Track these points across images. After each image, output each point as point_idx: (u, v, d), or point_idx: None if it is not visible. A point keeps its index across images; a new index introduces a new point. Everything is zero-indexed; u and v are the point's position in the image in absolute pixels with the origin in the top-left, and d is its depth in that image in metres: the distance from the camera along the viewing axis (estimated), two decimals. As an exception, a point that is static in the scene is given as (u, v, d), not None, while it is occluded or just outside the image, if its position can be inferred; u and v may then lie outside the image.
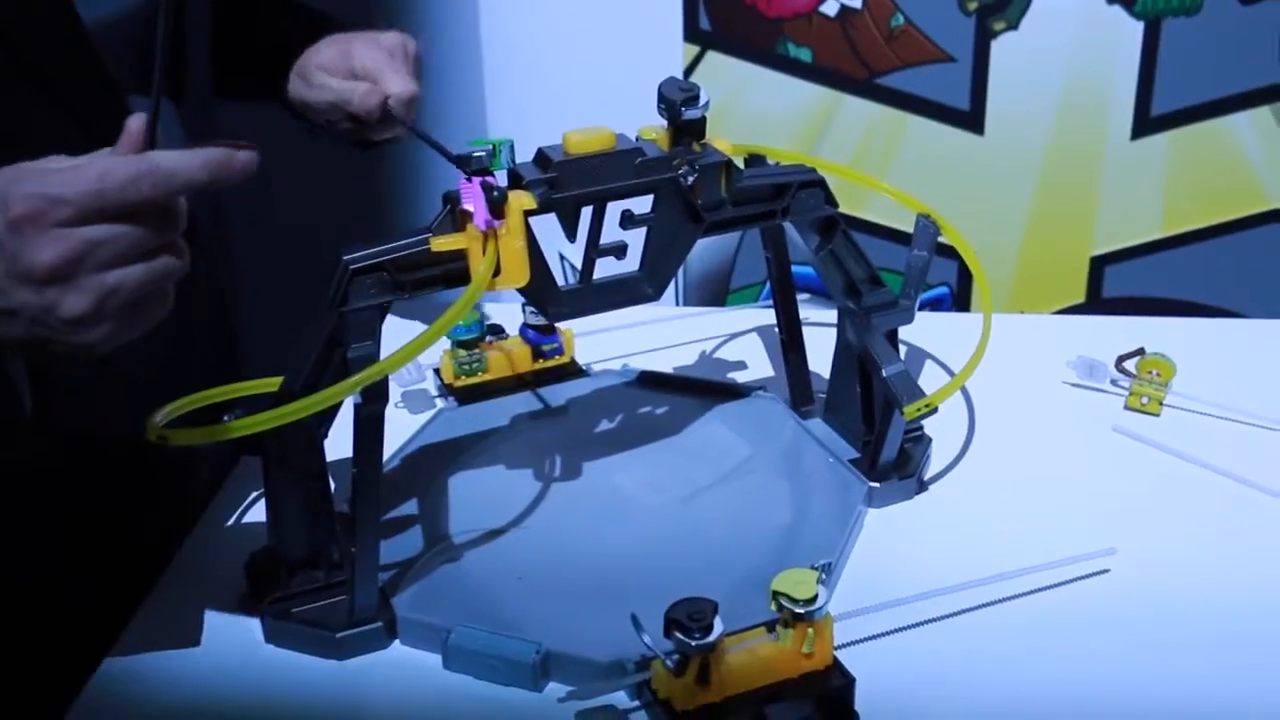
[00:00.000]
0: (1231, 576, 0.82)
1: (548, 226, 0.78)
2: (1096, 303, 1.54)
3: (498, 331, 1.04)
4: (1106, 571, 0.82)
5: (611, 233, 0.81)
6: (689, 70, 1.48)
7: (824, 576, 0.75)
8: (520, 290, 0.77)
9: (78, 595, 0.85)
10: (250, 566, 0.83)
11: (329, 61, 0.98)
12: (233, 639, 0.80)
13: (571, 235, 0.80)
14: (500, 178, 0.76)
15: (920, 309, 0.95)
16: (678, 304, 1.57)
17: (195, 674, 0.77)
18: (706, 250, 1.50)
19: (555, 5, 1.48)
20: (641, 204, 0.82)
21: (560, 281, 0.81)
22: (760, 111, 1.48)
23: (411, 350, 0.69)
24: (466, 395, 1.01)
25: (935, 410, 0.87)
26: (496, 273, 0.75)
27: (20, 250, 0.61)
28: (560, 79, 1.51)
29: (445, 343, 1.02)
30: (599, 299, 0.82)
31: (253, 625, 0.80)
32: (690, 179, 0.80)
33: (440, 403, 1.03)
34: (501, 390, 1.02)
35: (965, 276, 1.55)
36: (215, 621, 0.81)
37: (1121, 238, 1.52)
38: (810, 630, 0.71)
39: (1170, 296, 1.54)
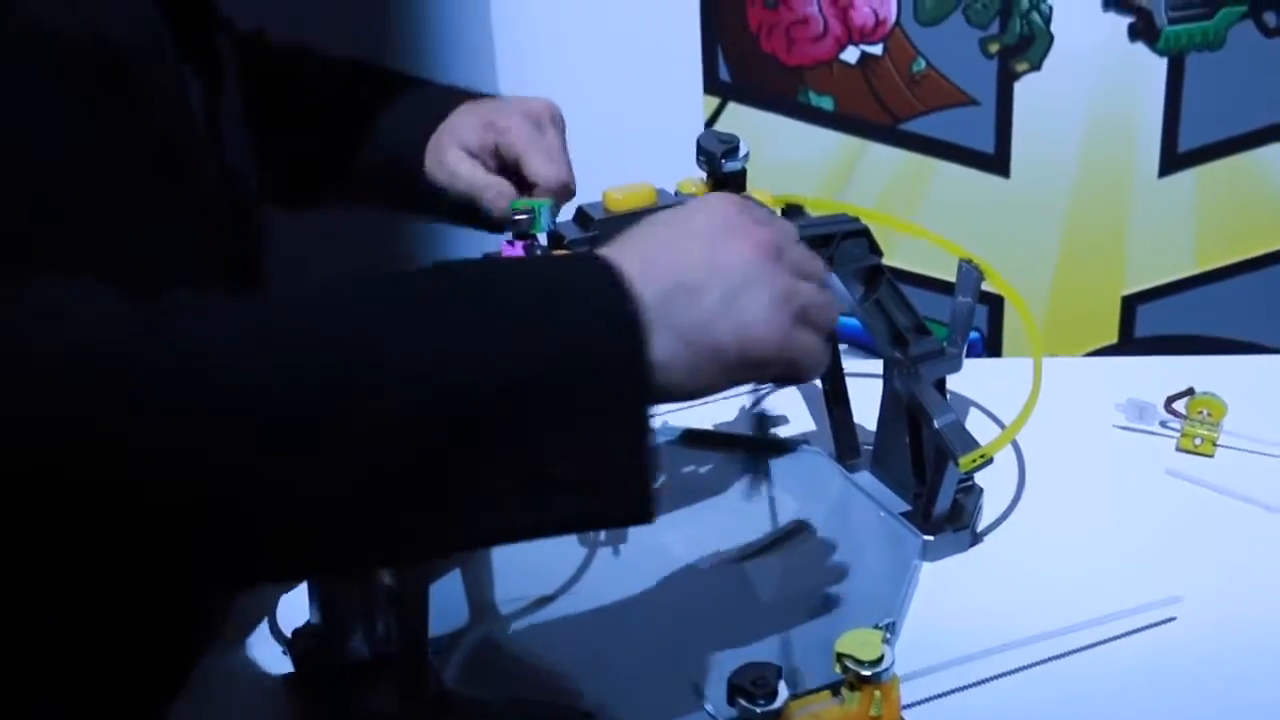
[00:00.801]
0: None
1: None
2: (1130, 343, 1.53)
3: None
4: (1173, 620, 0.80)
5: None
6: (710, 122, 1.47)
7: (889, 636, 0.73)
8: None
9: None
10: (293, 643, 0.81)
11: (466, 135, 0.88)
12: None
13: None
14: (542, 239, 0.74)
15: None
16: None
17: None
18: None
19: (573, 62, 1.48)
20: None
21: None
22: (784, 161, 1.47)
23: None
24: (505, 459, 0.99)
25: (990, 461, 0.85)
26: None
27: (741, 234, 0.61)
28: (581, 137, 1.49)
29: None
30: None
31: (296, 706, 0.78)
32: (734, 233, 0.78)
33: (479, 467, 1.01)
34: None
35: (995, 321, 1.53)
36: (257, 701, 0.79)
37: (1153, 276, 1.50)
38: (877, 693, 0.68)
39: (1204, 334, 1.52)
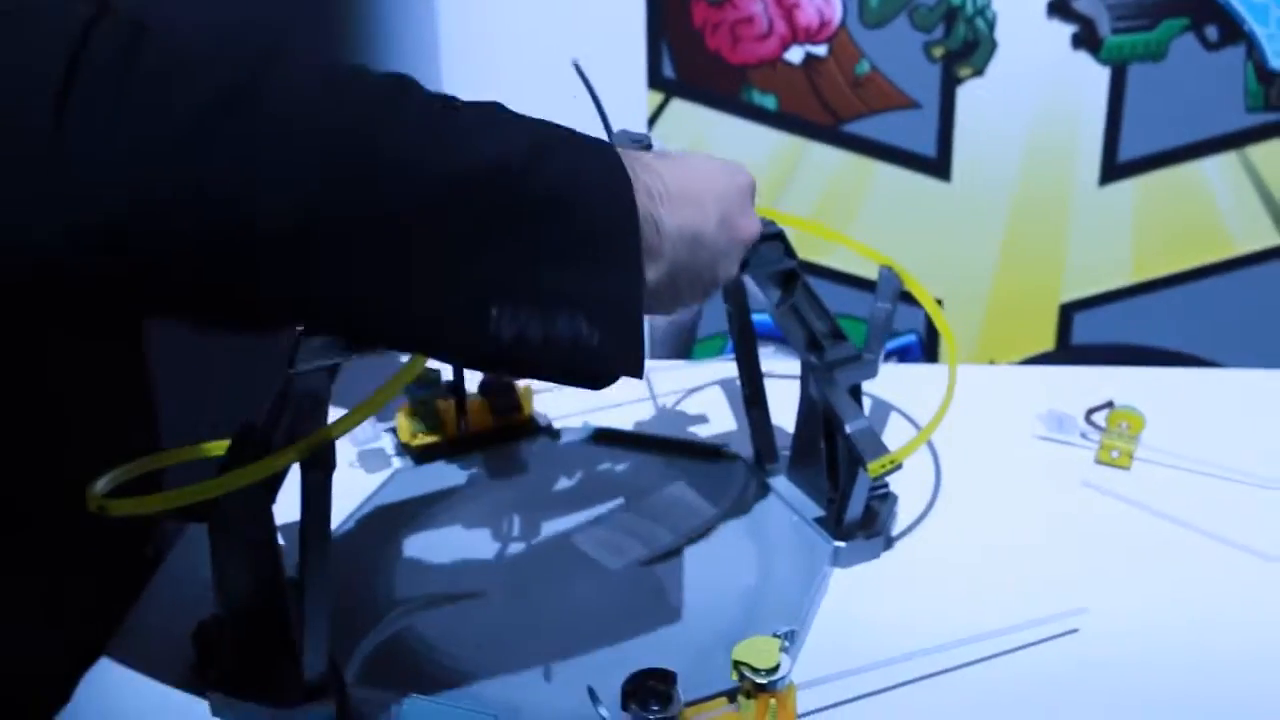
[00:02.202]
0: (1204, 636, 0.80)
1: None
2: (1066, 350, 1.53)
3: (455, 389, 1.01)
4: (1075, 631, 0.80)
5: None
6: (654, 118, 1.46)
7: (787, 645, 0.73)
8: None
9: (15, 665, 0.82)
10: (198, 635, 0.81)
11: None
12: (177, 713, 0.77)
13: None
14: None
15: (886, 358, 0.93)
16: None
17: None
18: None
19: (516, 53, 1.47)
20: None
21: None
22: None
23: (358, 415, 0.66)
24: (423, 455, 0.99)
25: (900, 467, 0.85)
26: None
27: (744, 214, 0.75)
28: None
29: (401, 401, 1.00)
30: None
31: (198, 699, 0.77)
32: (644, 233, 0.78)
33: (397, 462, 1.00)
34: (458, 450, 0.99)
35: (933, 325, 1.53)
36: (160, 694, 0.78)
37: (1090, 285, 1.51)
38: (773, 701, 0.68)
39: (1141, 344, 1.53)
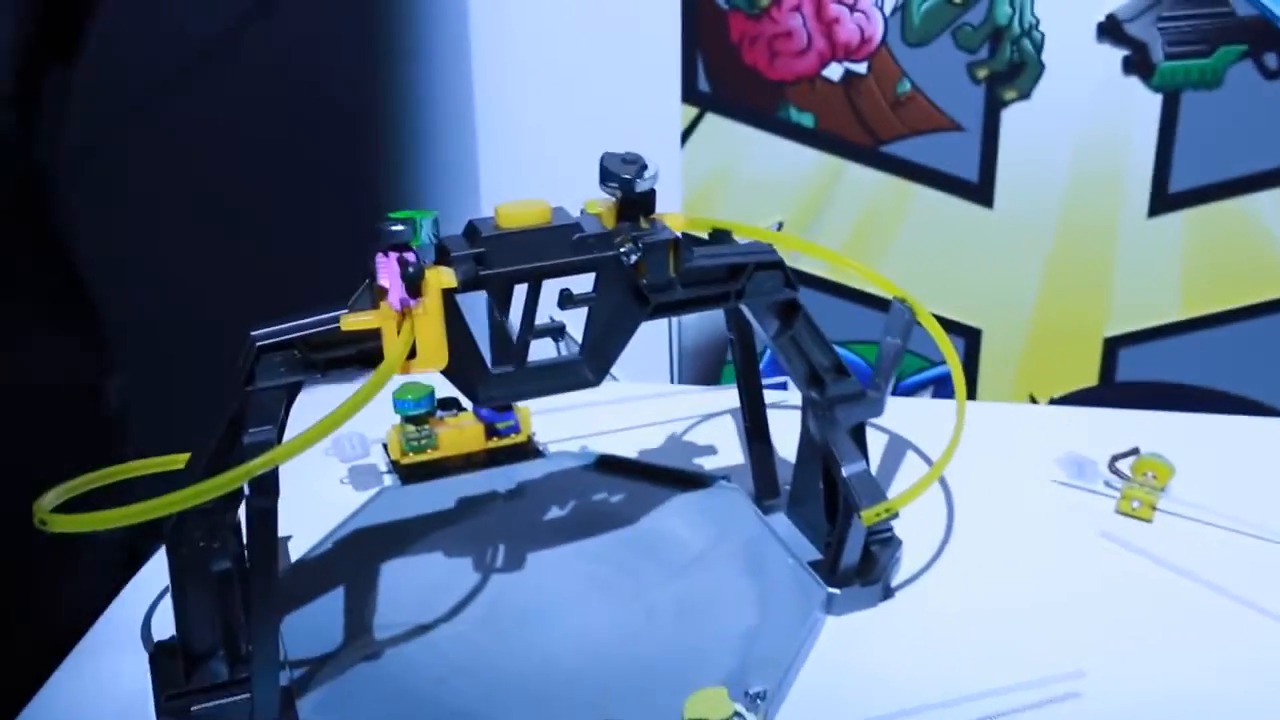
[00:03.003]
0: (1220, 710, 0.75)
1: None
2: (1109, 387, 1.47)
3: (450, 406, 0.98)
4: (1077, 696, 0.76)
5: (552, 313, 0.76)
6: (687, 133, 1.42)
7: (760, 702, 0.69)
8: (442, 373, 0.72)
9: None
10: (155, 657, 0.78)
11: None
12: (130, 736, 0.74)
13: (504, 315, 0.74)
14: (425, 253, 0.70)
15: (923, 387, 0.89)
16: (671, 378, 1.51)
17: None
18: (700, 319, 1.44)
19: (550, 66, 1.43)
20: (585, 283, 0.76)
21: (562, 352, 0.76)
22: (760, 177, 1.42)
23: (306, 440, 0.63)
24: (413, 473, 0.96)
25: (896, 515, 0.80)
26: (413, 354, 0.69)
27: None
28: (555, 142, 1.46)
29: (394, 416, 0.97)
30: (533, 384, 0.77)
31: (151, 721, 0.74)
32: (634, 258, 0.74)
33: (388, 480, 0.97)
34: (451, 470, 0.96)
35: (972, 354, 1.48)
36: (113, 714, 0.76)
37: (1136, 319, 1.45)
38: (737, 759, 0.65)
39: (1188, 382, 1.47)
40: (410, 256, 0.67)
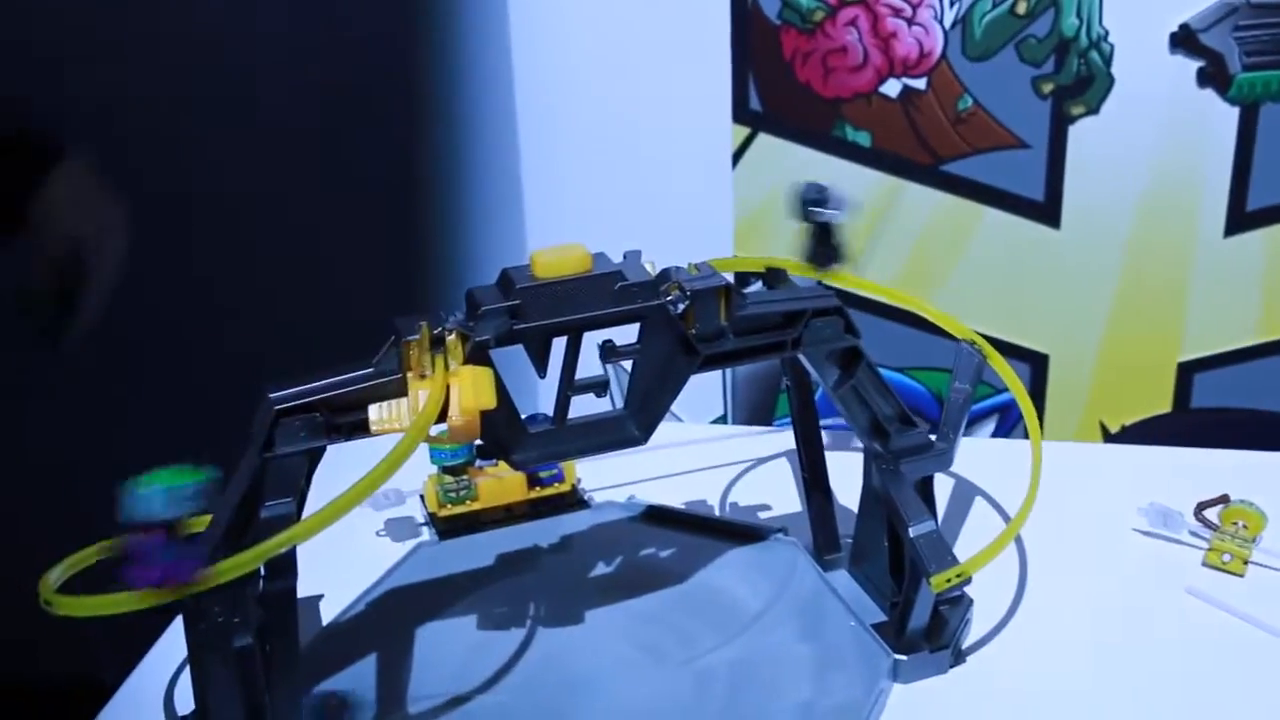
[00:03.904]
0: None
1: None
2: (1184, 413, 1.40)
3: (489, 455, 0.93)
4: (1169, 775, 0.69)
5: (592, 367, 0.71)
6: (739, 153, 1.37)
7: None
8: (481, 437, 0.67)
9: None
10: (177, 732, 0.74)
11: None
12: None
13: (542, 371, 0.69)
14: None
15: (985, 417, 0.83)
16: (725, 416, 1.46)
17: None
18: (758, 369, 1.39)
19: (597, 86, 1.38)
20: (629, 334, 0.71)
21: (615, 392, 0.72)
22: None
23: (323, 519, 0.58)
24: (452, 526, 0.91)
25: (969, 580, 0.74)
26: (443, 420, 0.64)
27: None
28: (603, 165, 1.41)
29: (431, 467, 0.92)
30: (575, 443, 0.71)
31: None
32: (680, 306, 0.69)
33: (426, 533, 0.92)
34: (491, 522, 0.91)
35: (1039, 382, 1.42)
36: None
37: (1213, 343, 1.38)
38: None
39: (1266, 409, 1.40)
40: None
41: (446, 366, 0.65)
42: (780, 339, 0.73)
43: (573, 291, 0.67)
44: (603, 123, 1.40)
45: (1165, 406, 1.42)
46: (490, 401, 0.64)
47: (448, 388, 0.64)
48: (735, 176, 1.38)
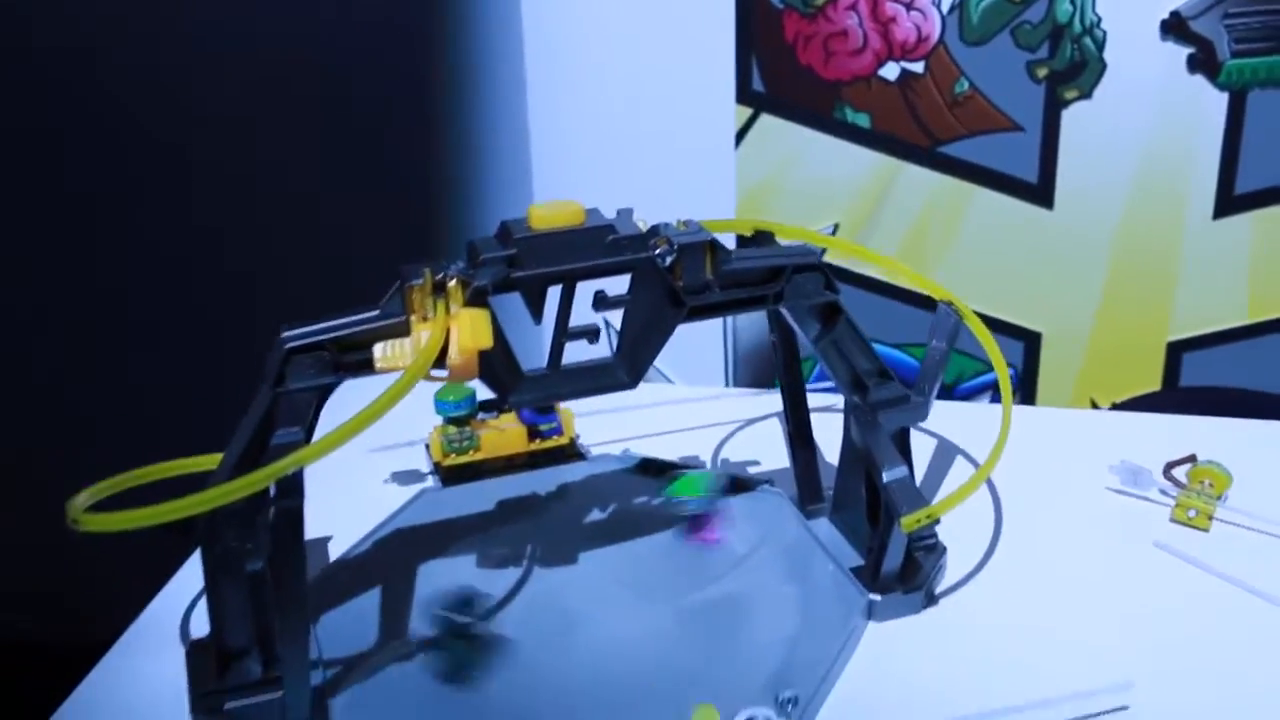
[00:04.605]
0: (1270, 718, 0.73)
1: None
2: (1173, 392, 1.44)
3: (492, 409, 0.97)
4: (1125, 709, 0.74)
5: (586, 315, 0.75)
6: (742, 133, 1.41)
7: (791, 708, 0.68)
8: (479, 377, 0.72)
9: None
10: (191, 654, 0.78)
11: None
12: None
13: (537, 318, 0.74)
14: None
15: (980, 392, 0.87)
16: (726, 380, 1.50)
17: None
18: (756, 321, 1.43)
19: (603, 66, 1.43)
20: (621, 284, 0.76)
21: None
22: (815, 178, 1.40)
23: (331, 442, 0.63)
24: (455, 475, 0.95)
25: (938, 522, 0.79)
26: (443, 360, 0.69)
27: None
28: (609, 143, 1.46)
29: (436, 418, 0.96)
30: (567, 385, 0.76)
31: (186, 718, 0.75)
32: (669, 259, 0.74)
33: (431, 481, 0.97)
34: (492, 471, 0.95)
35: (1031, 359, 1.46)
36: (150, 710, 0.76)
37: (1201, 324, 1.41)
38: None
39: (1254, 388, 1.43)
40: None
41: (448, 310, 0.70)
42: (763, 293, 0.78)
43: (567, 243, 0.72)
44: (610, 102, 1.45)
45: (1155, 385, 1.46)
46: (487, 342, 0.69)
47: (448, 330, 0.69)
48: (738, 156, 1.42)
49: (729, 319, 1.44)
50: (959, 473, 0.98)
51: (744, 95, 1.41)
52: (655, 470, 0.96)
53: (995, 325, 1.38)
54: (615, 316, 0.77)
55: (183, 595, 0.85)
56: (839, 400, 0.85)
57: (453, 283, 0.70)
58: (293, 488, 0.66)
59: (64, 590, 1.66)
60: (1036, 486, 0.95)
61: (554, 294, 0.74)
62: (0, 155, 1.55)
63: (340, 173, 1.47)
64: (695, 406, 1.09)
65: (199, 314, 1.58)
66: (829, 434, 0.90)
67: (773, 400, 1.07)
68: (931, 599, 0.83)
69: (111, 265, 1.58)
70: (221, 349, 1.30)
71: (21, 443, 1.67)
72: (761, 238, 0.84)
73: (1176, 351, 1.44)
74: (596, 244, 0.72)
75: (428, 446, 0.98)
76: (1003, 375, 0.85)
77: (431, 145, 1.49)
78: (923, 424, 0.85)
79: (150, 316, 1.60)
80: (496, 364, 0.72)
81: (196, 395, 1.34)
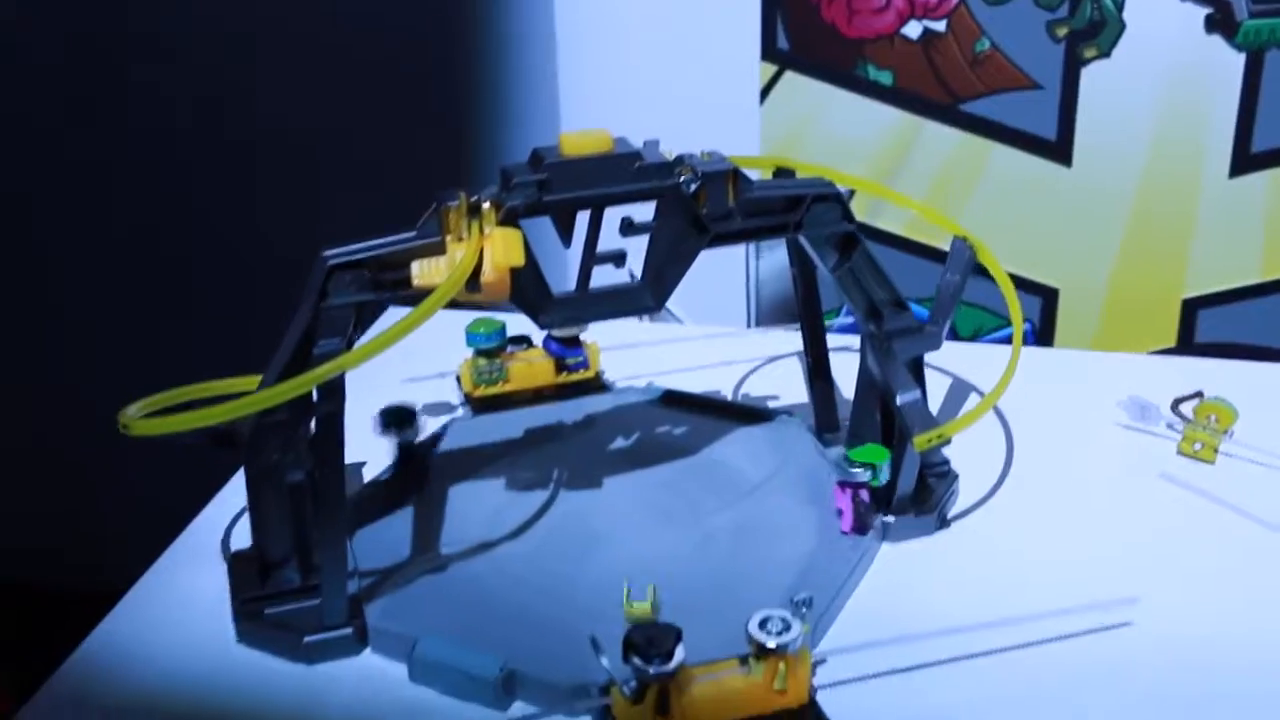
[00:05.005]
0: (1269, 636, 0.75)
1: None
2: (1188, 347, 1.47)
3: (520, 342, 1.01)
4: (1129, 624, 0.76)
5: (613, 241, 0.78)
6: (766, 90, 1.44)
7: (804, 610, 0.71)
8: (510, 298, 0.75)
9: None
10: (233, 563, 0.82)
11: None
12: (207, 637, 0.78)
13: (567, 241, 0.77)
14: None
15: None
16: (749, 325, 1.53)
17: (164, 669, 0.76)
18: (779, 271, 1.46)
19: (631, 23, 1.46)
20: (648, 210, 0.79)
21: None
22: (838, 135, 1.43)
23: (371, 348, 0.66)
24: (484, 406, 0.99)
25: (948, 441, 0.82)
26: (476, 282, 0.72)
27: None
28: (635, 98, 1.49)
29: (467, 350, 1.00)
30: (595, 308, 0.79)
31: (228, 624, 0.78)
32: (693, 187, 0.77)
33: (462, 412, 1.00)
34: (520, 402, 0.99)
35: (1049, 313, 1.48)
36: (193, 618, 0.80)
37: (1217, 281, 1.44)
38: (782, 665, 0.66)
39: (1269, 345, 1.46)
40: (864, 495, 0.79)
41: (482, 231, 0.73)
42: (783, 221, 0.81)
43: (595, 169, 0.75)
44: (636, 60, 1.48)
45: (1170, 341, 1.48)
46: (519, 259, 0.72)
47: (482, 248, 0.72)
48: (763, 112, 1.45)
49: (752, 269, 1.47)
50: (972, 408, 1.01)
51: (769, 53, 1.44)
52: (678, 401, 0.99)
53: (1014, 281, 1.40)
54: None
55: (223, 514, 0.89)
56: (855, 341, 0.88)
57: (486, 205, 0.73)
58: (334, 393, 0.70)
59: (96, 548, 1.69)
60: (1047, 421, 0.98)
61: (582, 219, 0.77)
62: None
63: (378, 112, 1.50)
64: (718, 343, 1.12)
65: (231, 252, 1.61)
66: (846, 375, 0.93)
67: (792, 339, 1.10)
68: (944, 522, 0.86)
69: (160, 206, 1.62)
70: (268, 275, 1.32)
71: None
72: (783, 174, 0.87)
73: (1192, 308, 1.47)
74: (624, 171, 0.75)
75: (458, 378, 1.01)
76: (1011, 297, 0.87)
77: (463, 106, 1.52)
78: (939, 364, 0.88)
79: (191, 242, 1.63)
80: (527, 285, 0.75)
81: (237, 321, 1.36)
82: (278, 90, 1.52)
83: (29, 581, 1.81)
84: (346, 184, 1.53)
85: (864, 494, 0.82)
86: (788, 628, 0.66)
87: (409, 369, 1.04)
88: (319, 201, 1.53)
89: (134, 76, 1.56)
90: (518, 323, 1.01)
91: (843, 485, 0.82)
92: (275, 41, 1.50)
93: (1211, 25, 1.34)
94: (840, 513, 0.83)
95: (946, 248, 0.87)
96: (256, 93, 1.54)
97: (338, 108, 1.52)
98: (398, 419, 0.91)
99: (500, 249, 0.72)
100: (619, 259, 0.79)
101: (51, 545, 1.82)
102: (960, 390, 1.03)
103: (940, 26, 1.39)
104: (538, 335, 1.01)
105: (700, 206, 0.78)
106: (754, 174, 0.81)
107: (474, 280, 0.72)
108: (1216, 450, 0.93)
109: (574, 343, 1.00)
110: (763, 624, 0.66)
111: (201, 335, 1.60)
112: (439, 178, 1.50)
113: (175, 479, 0.98)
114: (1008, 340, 1.50)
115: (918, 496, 0.86)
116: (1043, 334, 1.50)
